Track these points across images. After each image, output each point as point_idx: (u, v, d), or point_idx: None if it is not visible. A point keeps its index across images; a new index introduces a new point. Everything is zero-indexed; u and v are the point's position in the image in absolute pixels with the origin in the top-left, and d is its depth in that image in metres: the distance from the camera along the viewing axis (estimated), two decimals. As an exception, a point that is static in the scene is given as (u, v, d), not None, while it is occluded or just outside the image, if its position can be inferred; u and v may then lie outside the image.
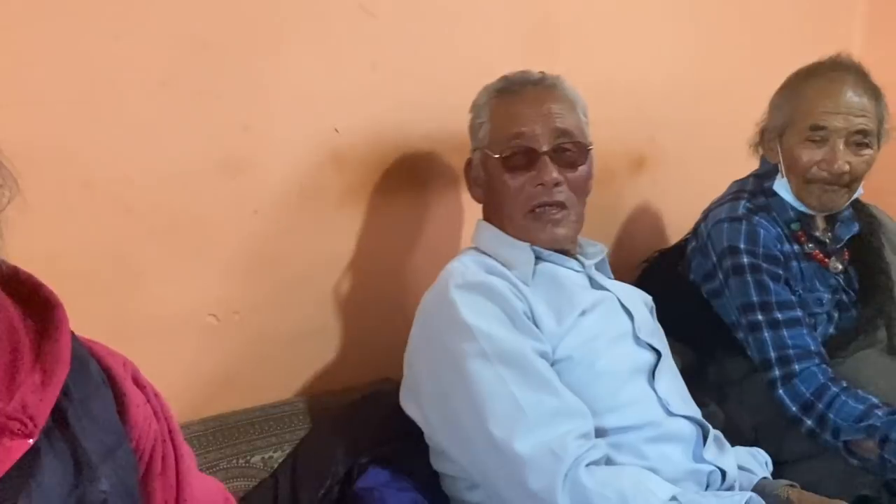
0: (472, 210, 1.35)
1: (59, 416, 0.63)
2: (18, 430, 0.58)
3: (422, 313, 1.19)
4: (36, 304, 0.67)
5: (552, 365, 1.13)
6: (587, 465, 1.03)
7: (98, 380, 0.70)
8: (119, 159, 1.11)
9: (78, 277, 1.06)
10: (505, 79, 1.25)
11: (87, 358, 0.70)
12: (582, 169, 1.22)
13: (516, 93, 1.22)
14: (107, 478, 0.66)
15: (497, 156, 1.20)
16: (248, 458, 1.18)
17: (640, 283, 1.53)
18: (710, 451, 1.18)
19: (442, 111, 1.36)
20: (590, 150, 1.24)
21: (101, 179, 1.09)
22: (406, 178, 1.42)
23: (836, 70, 1.46)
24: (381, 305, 1.42)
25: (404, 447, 1.19)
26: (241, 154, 1.21)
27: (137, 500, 0.71)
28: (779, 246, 1.45)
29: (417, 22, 1.38)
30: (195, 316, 1.20)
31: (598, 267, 1.29)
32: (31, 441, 0.59)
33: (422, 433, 1.18)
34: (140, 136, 1.13)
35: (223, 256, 1.22)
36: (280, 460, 1.19)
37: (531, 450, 1.02)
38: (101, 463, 0.66)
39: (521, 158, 1.19)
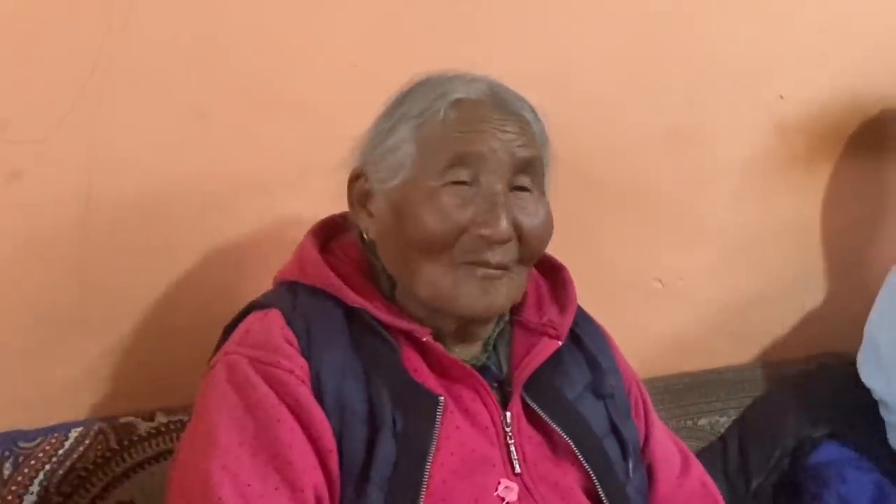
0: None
1: (575, 336, 0.90)
2: (552, 333, 0.85)
3: (892, 287, 1.16)
4: (548, 267, 0.96)
5: None
6: None
7: (592, 321, 0.98)
8: (579, 135, 1.19)
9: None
10: None
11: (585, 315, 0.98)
12: None
13: None
14: (610, 384, 0.91)
15: None
16: (696, 419, 1.24)
17: None
18: None
19: (896, 75, 1.30)
20: None
21: (565, 154, 1.21)
22: (856, 145, 1.38)
23: None
24: (827, 277, 1.40)
25: (862, 424, 1.16)
26: (688, 125, 1.26)
27: (629, 411, 0.93)
28: None
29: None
30: (642, 280, 1.29)
31: None
32: (559, 342, 0.85)
33: (878, 411, 1.14)
34: (596, 112, 1.22)
35: (669, 225, 1.29)
36: (726, 425, 1.24)
37: None
38: (608, 374, 0.91)
39: None
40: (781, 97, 1.29)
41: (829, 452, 1.16)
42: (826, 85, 1.31)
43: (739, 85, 1.27)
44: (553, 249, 0.88)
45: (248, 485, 0.70)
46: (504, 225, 0.75)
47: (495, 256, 0.77)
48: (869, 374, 1.16)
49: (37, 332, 0.96)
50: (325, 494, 0.73)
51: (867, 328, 1.17)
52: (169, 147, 1.01)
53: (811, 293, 1.39)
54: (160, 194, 1.01)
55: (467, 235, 0.76)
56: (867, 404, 1.16)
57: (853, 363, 1.20)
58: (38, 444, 0.92)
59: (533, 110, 0.84)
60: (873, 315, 1.17)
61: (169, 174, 1.01)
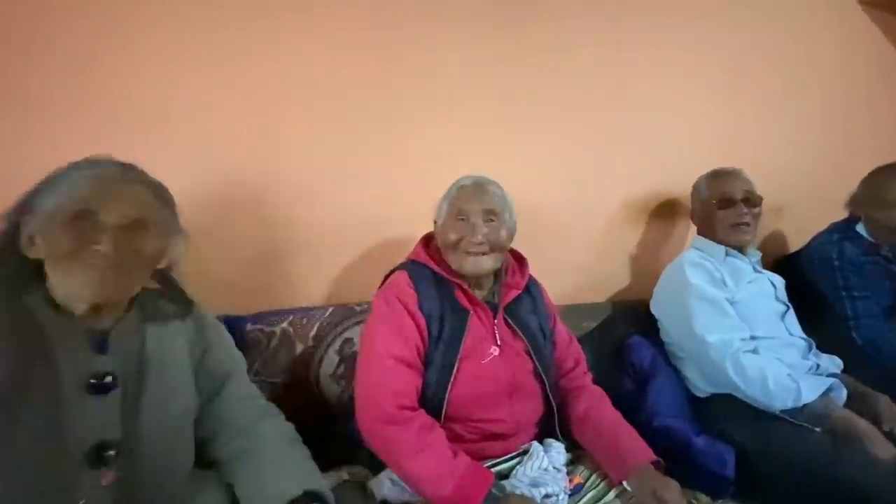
0: None
1: (528, 289, 1.82)
2: (517, 286, 1.78)
3: (665, 274, 2.36)
4: (519, 257, 1.87)
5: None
6: (744, 353, 2.02)
7: (537, 282, 1.91)
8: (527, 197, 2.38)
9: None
10: None
11: (535, 280, 1.91)
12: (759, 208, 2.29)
13: None
14: (540, 309, 1.81)
15: None
16: (579, 325, 2.45)
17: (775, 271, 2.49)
18: (811, 355, 2.19)
19: None
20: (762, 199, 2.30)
21: (528, 204, 2.33)
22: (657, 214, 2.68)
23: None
24: (639, 267, 2.64)
25: (655, 329, 2.40)
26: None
27: (548, 319, 1.85)
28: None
29: None
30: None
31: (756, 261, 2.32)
32: (519, 291, 1.78)
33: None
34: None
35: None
36: (589, 329, 2.46)
37: (715, 341, 2.06)
38: (539, 304, 1.84)
39: None
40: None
41: (636, 340, 2.36)
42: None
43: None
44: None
45: (389, 342, 1.49)
46: (479, 238, 1.63)
47: (475, 249, 1.64)
48: (655, 312, 2.37)
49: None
50: (422, 347, 1.55)
51: (653, 296, 2.36)
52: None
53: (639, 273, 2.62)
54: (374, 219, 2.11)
55: (464, 241, 1.64)
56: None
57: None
58: (315, 312, 1.96)
59: (498, 186, 1.74)
60: (656, 291, 2.33)
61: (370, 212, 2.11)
